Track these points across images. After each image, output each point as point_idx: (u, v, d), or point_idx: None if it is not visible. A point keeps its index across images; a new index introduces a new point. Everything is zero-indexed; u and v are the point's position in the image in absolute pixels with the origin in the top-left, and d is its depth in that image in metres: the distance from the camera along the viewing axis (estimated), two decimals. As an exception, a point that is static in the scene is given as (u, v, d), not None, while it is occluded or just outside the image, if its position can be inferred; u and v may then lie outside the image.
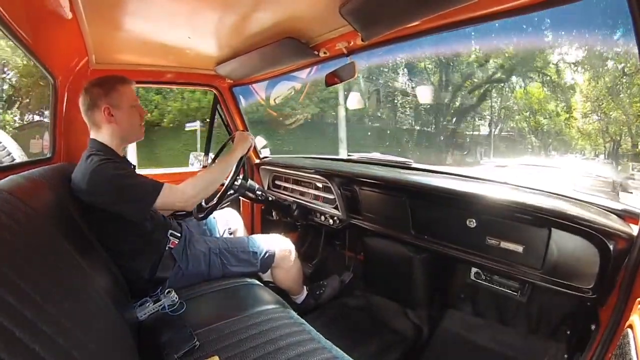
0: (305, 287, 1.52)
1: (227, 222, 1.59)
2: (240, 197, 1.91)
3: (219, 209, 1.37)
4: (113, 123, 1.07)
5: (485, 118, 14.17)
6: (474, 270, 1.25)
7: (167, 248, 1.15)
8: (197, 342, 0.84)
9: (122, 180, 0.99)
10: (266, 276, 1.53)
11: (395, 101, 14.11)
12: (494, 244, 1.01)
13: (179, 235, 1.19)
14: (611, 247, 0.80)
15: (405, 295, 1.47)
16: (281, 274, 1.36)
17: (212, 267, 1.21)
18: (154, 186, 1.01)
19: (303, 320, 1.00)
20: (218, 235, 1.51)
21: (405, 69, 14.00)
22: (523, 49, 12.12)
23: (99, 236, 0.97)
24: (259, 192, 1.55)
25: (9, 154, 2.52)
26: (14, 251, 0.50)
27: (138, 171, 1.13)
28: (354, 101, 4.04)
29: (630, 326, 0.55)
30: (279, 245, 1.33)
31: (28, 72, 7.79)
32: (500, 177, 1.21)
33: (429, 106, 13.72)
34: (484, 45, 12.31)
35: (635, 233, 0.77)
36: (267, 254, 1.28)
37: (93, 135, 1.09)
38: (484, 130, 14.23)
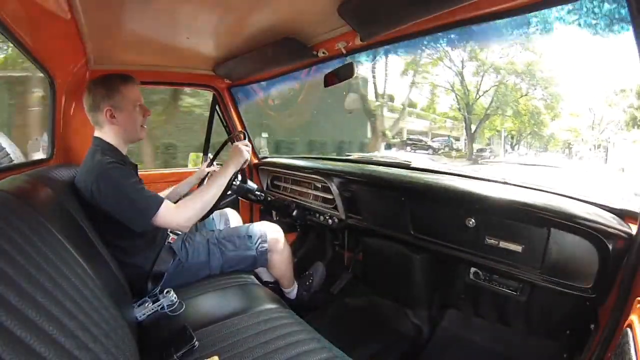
0: (295, 281, 1.53)
1: (225, 222, 1.59)
2: (239, 198, 1.93)
3: (218, 208, 1.37)
4: (115, 124, 1.07)
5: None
6: (473, 270, 1.25)
7: (166, 243, 1.17)
8: (196, 342, 0.84)
9: (126, 192, 0.98)
10: (265, 276, 1.53)
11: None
12: (493, 244, 1.01)
13: (179, 232, 1.20)
14: (610, 246, 0.80)
15: (404, 295, 1.47)
16: (275, 258, 1.36)
17: (212, 256, 1.23)
18: (155, 202, 1.00)
19: (303, 320, 1.00)
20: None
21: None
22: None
23: (99, 233, 0.97)
24: (257, 193, 1.55)
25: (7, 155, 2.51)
26: (15, 251, 0.50)
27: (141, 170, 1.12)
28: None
29: (630, 326, 0.55)
30: (269, 229, 1.36)
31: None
32: (500, 176, 1.21)
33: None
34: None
35: (634, 233, 0.77)
36: (260, 237, 1.32)
37: (97, 133, 1.09)
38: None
